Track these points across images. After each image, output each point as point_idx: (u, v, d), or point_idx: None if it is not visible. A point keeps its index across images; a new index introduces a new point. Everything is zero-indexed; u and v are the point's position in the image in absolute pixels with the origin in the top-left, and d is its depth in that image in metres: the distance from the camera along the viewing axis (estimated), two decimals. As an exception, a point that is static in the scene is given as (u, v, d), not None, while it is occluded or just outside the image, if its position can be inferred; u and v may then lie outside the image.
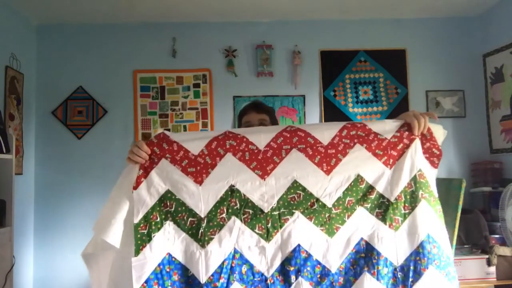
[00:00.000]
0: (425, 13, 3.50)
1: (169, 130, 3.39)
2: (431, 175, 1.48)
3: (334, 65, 3.52)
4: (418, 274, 1.41)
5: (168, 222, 1.42)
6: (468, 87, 3.54)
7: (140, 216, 1.40)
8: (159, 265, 1.40)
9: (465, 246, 2.87)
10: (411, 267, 1.42)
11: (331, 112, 3.46)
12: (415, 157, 1.48)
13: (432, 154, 1.52)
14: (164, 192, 1.43)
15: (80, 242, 3.43)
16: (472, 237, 2.89)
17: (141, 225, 1.39)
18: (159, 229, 1.41)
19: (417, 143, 1.49)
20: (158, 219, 1.41)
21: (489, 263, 2.73)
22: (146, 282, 1.38)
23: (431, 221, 1.45)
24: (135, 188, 1.41)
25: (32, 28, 3.40)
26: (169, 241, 1.42)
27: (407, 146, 1.49)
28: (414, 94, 3.52)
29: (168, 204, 1.43)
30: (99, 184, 3.20)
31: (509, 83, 3.20)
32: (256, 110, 1.91)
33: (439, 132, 1.60)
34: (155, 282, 1.39)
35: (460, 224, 2.77)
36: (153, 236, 1.39)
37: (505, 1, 3.25)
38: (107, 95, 3.41)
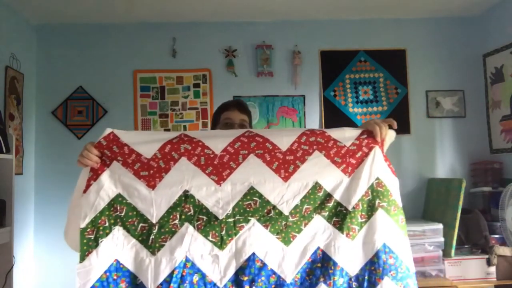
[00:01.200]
0: (425, 13, 3.50)
1: (169, 130, 3.39)
2: (393, 183, 1.46)
3: (334, 65, 3.52)
4: (372, 285, 1.39)
5: (117, 227, 1.36)
6: (468, 87, 3.54)
7: (87, 220, 1.33)
8: (105, 272, 1.34)
9: (465, 246, 2.87)
10: (366, 277, 1.39)
11: (331, 112, 3.46)
12: (373, 166, 1.46)
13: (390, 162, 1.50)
14: (114, 196, 1.37)
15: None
16: (472, 237, 2.89)
17: (88, 229, 1.33)
18: (107, 234, 1.34)
19: (376, 151, 1.47)
20: (107, 224, 1.35)
21: (489, 263, 2.74)
22: None
23: (388, 231, 1.42)
24: (84, 191, 1.35)
25: (32, 28, 3.40)
26: (117, 247, 1.35)
27: (366, 155, 1.47)
28: (414, 94, 3.52)
29: (119, 208, 1.37)
30: (99, 184, 3.20)
31: (509, 83, 3.20)
32: (238, 109, 1.84)
33: (388, 136, 1.53)
34: None
35: (460, 224, 2.78)
36: (100, 242, 1.33)
37: (505, 1, 3.25)
38: (107, 95, 3.41)
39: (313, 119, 3.47)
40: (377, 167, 1.45)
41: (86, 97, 3.40)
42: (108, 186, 1.37)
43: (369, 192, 1.44)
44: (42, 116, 3.38)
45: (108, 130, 1.40)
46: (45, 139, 3.37)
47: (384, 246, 1.40)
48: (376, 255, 1.40)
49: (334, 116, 3.45)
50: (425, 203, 3.36)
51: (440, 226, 2.82)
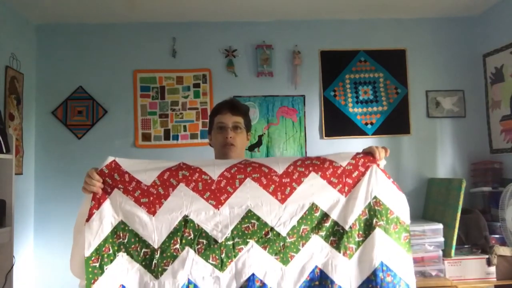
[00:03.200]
0: (425, 13, 3.50)
1: (169, 130, 3.39)
2: (396, 200, 1.47)
3: (334, 65, 3.52)
4: None
5: (121, 253, 1.40)
6: (468, 87, 3.54)
7: (92, 249, 1.36)
8: None
9: (465, 246, 2.87)
10: None
11: (331, 112, 3.46)
12: (370, 185, 1.48)
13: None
14: (117, 224, 1.41)
15: (80, 242, 3.41)
16: (472, 237, 2.89)
17: (93, 258, 1.36)
18: (111, 261, 1.38)
19: (373, 170, 1.48)
20: (111, 251, 1.39)
21: (489, 263, 2.73)
22: None
23: (386, 249, 1.44)
24: (87, 220, 1.37)
25: (32, 28, 3.40)
26: (122, 272, 1.40)
27: (363, 174, 1.49)
28: (414, 94, 3.52)
29: (121, 235, 1.41)
30: (99, 184, 3.20)
31: (509, 83, 3.20)
32: (231, 111, 1.80)
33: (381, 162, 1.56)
34: None
35: (460, 224, 2.78)
36: (106, 269, 1.37)
37: (505, 1, 3.25)
38: (107, 95, 3.41)
39: (313, 119, 3.47)
40: (374, 186, 1.48)
41: (86, 97, 3.40)
42: (111, 214, 1.40)
43: (366, 211, 1.47)
44: (42, 116, 3.38)
45: (110, 158, 1.43)
46: (45, 139, 3.37)
47: (381, 264, 1.43)
48: (374, 273, 1.43)
49: (334, 116, 3.45)
50: (425, 203, 3.36)
51: (440, 226, 2.82)
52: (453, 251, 2.76)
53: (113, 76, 3.44)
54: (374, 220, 1.46)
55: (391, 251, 1.45)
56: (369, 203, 1.47)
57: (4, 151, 2.47)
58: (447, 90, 3.53)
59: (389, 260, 1.44)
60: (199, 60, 3.47)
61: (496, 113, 3.34)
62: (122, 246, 1.41)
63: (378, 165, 1.49)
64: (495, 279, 2.74)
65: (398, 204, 1.47)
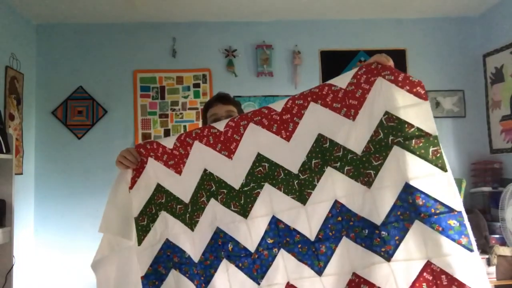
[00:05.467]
0: (425, 13, 3.50)
1: (169, 130, 3.40)
2: (417, 109, 1.23)
3: (334, 65, 3.52)
4: (403, 232, 1.22)
5: (162, 211, 1.56)
6: (468, 87, 3.54)
7: (139, 210, 1.56)
8: (159, 250, 1.55)
9: (465, 246, 2.87)
10: (394, 224, 1.24)
11: (331, 112, 3.46)
12: (378, 101, 1.28)
13: (413, 84, 1.26)
14: (155, 187, 1.57)
15: (80, 242, 3.45)
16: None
17: (140, 217, 1.55)
18: (155, 219, 1.56)
19: (380, 84, 1.28)
20: (154, 211, 1.57)
21: (489, 263, 2.73)
22: (151, 266, 1.54)
23: (410, 168, 1.22)
24: (130, 187, 1.56)
25: (32, 28, 3.40)
26: (166, 228, 1.55)
27: (368, 91, 1.31)
28: (414, 94, 3.52)
29: (160, 196, 1.57)
30: (99, 184, 3.20)
31: (509, 83, 3.20)
32: (222, 102, 1.82)
33: None
34: (158, 266, 1.55)
35: (460, 224, 2.78)
36: (152, 226, 1.56)
37: (505, 1, 3.25)
38: (107, 95, 3.41)
39: (313, 119, 3.46)
40: (383, 101, 1.27)
41: (86, 97, 3.40)
42: (149, 179, 1.57)
43: (379, 131, 1.27)
44: (42, 116, 3.38)
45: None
46: (45, 139, 3.37)
47: (407, 186, 1.22)
48: (399, 198, 1.23)
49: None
50: (425, 203, 3.36)
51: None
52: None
53: (113, 76, 3.43)
54: (390, 138, 1.24)
55: (416, 169, 1.21)
56: (381, 121, 1.26)
57: (4, 151, 2.47)
58: (447, 90, 3.53)
59: (416, 179, 1.21)
60: (199, 60, 3.47)
61: (496, 113, 3.34)
62: (162, 206, 1.56)
63: (384, 77, 1.29)
64: (495, 279, 2.74)
65: (418, 114, 1.22)
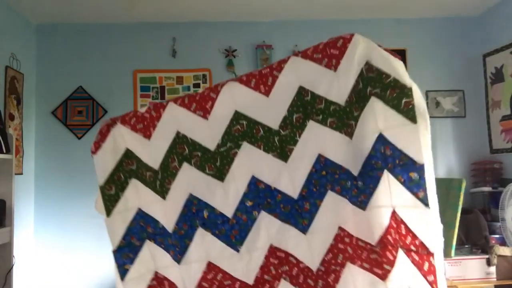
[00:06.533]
0: (425, 13, 3.50)
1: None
2: (394, 63, 1.23)
3: (334, 65, 3.51)
4: (376, 180, 1.22)
5: (133, 179, 1.44)
6: (468, 87, 3.53)
7: (105, 178, 1.43)
8: (132, 221, 1.42)
9: (465, 246, 2.87)
10: (369, 173, 1.24)
11: (331, 112, 3.46)
12: (358, 51, 1.28)
13: (387, 50, 1.31)
14: (124, 152, 1.45)
15: (80, 242, 3.44)
16: (472, 237, 2.89)
17: (107, 186, 1.43)
18: (125, 187, 1.44)
19: (358, 39, 1.30)
20: (123, 178, 1.44)
21: (489, 263, 2.73)
22: (123, 238, 1.42)
23: (384, 119, 1.21)
24: (94, 152, 1.47)
25: (32, 28, 3.40)
26: (138, 197, 1.43)
27: (349, 41, 1.30)
28: (414, 94, 3.51)
29: (130, 162, 1.45)
30: (99, 184, 3.20)
31: (509, 83, 3.20)
32: None
33: None
34: (132, 237, 1.42)
35: (460, 224, 2.77)
36: (121, 195, 1.43)
37: (505, 1, 3.25)
38: (107, 95, 3.41)
39: (313, 119, 3.46)
40: (364, 50, 1.29)
41: (86, 97, 3.40)
42: (117, 143, 1.45)
43: (360, 80, 1.25)
44: (42, 116, 3.38)
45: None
46: (45, 139, 3.37)
47: (380, 136, 1.22)
48: (373, 147, 1.23)
49: (334, 116, 3.45)
50: (425, 203, 3.36)
51: (440, 226, 2.81)
52: (453, 251, 2.75)
53: (113, 76, 3.43)
54: (368, 89, 1.23)
55: (388, 120, 1.21)
56: (362, 70, 1.25)
57: (4, 151, 2.47)
58: (447, 90, 3.53)
59: (387, 130, 1.20)
60: (199, 60, 3.46)
61: (496, 113, 3.34)
62: (132, 173, 1.44)
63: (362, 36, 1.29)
64: (495, 279, 2.74)
65: (395, 67, 1.22)
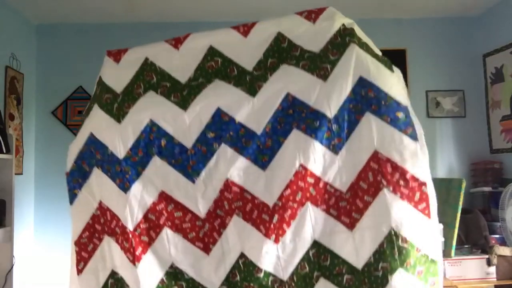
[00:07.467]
0: (425, 13, 3.50)
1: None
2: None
3: (334, 65, 3.51)
4: (353, 123, 1.27)
5: (95, 104, 1.44)
6: (468, 87, 3.53)
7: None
8: (84, 145, 1.45)
9: (465, 246, 2.87)
10: (345, 117, 1.27)
11: (331, 112, 3.46)
12: (338, 15, 1.41)
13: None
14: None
15: (80, 242, 3.39)
16: (472, 237, 2.89)
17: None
18: (89, 112, 1.46)
19: None
20: (91, 104, 1.47)
21: (489, 263, 2.73)
22: (75, 162, 1.49)
23: (363, 63, 1.30)
24: None
25: (32, 28, 3.40)
26: (90, 120, 1.43)
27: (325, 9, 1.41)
28: (414, 94, 3.51)
29: (97, 88, 1.46)
30: (99, 184, 3.20)
31: (509, 83, 3.20)
32: None
33: None
34: (82, 162, 1.48)
35: (460, 224, 2.78)
36: (85, 119, 1.46)
37: (505, 1, 3.25)
38: (107, 95, 3.41)
39: (313, 119, 3.46)
40: (341, 17, 1.40)
41: (86, 97, 3.39)
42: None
43: (338, 36, 1.37)
44: (42, 116, 3.38)
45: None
46: (45, 139, 3.37)
47: (360, 79, 1.28)
48: (353, 90, 1.27)
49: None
50: (425, 203, 3.36)
51: (440, 226, 2.81)
52: (453, 251, 2.75)
53: (113, 76, 3.43)
54: (347, 39, 1.35)
55: (368, 64, 1.31)
56: (340, 28, 1.39)
57: (4, 151, 2.47)
58: (447, 90, 3.53)
59: (369, 73, 1.28)
60: (199, 60, 3.46)
61: (496, 113, 3.34)
62: (96, 98, 1.45)
63: None
64: (495, 279, 2.74)
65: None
